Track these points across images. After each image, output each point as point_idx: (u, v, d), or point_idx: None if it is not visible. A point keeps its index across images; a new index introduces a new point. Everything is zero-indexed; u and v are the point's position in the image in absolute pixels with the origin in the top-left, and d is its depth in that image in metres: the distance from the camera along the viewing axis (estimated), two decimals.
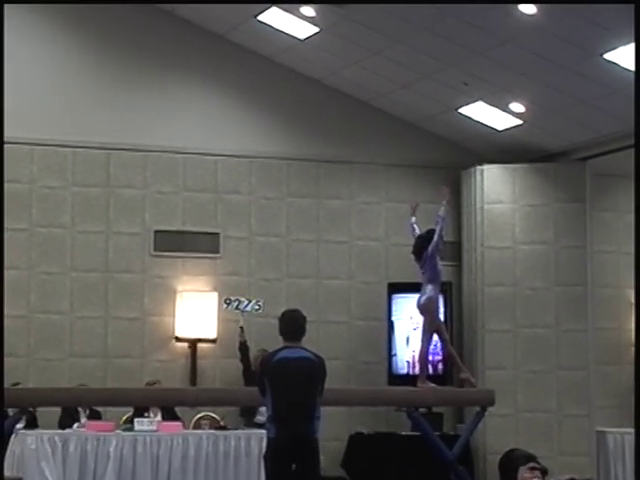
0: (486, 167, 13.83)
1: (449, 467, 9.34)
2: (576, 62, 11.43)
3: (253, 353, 12.59)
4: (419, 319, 13.43)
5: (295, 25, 12.32)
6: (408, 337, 13.47)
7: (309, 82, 13.62)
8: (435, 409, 12.81)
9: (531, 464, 4.43)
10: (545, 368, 13.35)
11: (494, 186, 13.76)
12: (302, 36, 12.51)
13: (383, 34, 11.92)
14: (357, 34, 12.08)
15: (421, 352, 9.73)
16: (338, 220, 13.83)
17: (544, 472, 4.38)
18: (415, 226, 9.80)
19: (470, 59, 11.93)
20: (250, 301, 12.77)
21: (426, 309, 9.51)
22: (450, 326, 13.51)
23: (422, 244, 9.51)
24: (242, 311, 12.74)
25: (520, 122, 13.16)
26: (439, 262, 9.54)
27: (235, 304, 12.72)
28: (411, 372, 13.42)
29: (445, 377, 13.27)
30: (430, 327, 9.55)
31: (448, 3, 10.84)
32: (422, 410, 11.60)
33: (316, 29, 12.23)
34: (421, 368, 9.70)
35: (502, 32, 11.22)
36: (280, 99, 13.59)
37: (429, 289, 9.46)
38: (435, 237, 9.43)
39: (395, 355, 13.47)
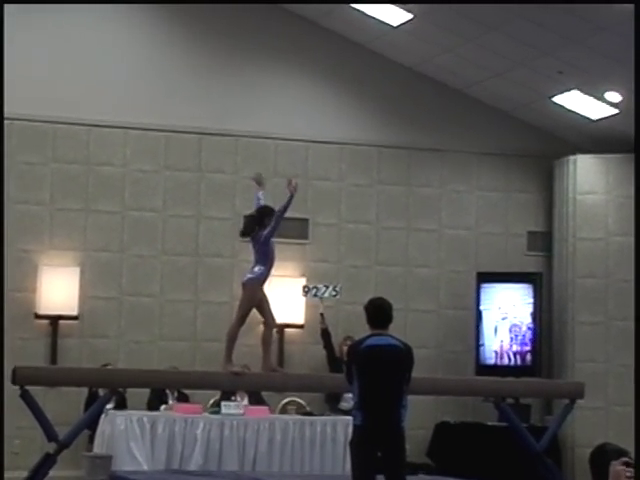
0: (579, 157, 13.63)
1: (536, 459, 9.25)
2: None
3: (337, 340, 12.60)
4: (507, 309, 13.47)
5: (388, 12, 12.26)
6: (496, 327, 13.38)
7: (401, 69, 13.55)
8: (523, 400, 12.68)
9: (624, 459, 4.34)
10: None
11: (587, 176, 13.57)
12: (395, 23, 12.43)
13: (477, 21, 11.80)
14: (451, 21, 11.98)
15: (229, 331, 9.27)
16: (428, 208, 13.75)
17: None
18: (261, 200, 9.23)
19: (565, 47, 11.76)
20: (327, 287, 12.69)
21: (245, 287, 9.13)
22: (539, 317, 13.40)
23: (252, 226, 9.05)
24: (320, 298, 12.67)
25: (616, 111, 12.94)
26: (273, 247, 9.02)
27: (313, 291, 12.65)
28: (499, 362, 13.34)
29: (534, 368, 13.17)
30: (242, 307, 9.07)
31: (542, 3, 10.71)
32: (509, 401, 11.50)
33: (410, 16, 12.14)
34: (227, 347, 9.09)
35: (599, 19, 11.03)
36: (372, 86, 13.55)
37: (256, 269, 9.05)
38: (272, 224, 8.89)
39: (483, 345, 13.37)
